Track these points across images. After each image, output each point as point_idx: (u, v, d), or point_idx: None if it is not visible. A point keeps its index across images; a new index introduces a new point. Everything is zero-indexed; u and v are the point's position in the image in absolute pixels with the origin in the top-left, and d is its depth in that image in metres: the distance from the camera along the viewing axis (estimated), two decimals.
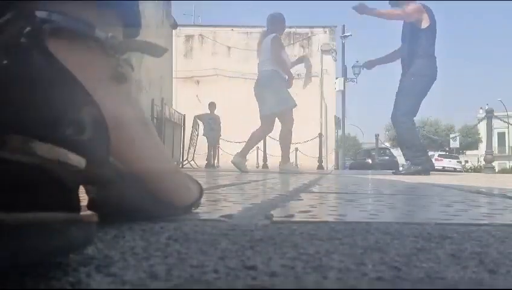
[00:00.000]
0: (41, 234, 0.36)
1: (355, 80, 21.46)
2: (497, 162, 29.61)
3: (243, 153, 5.78)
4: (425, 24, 5.00)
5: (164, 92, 10.72)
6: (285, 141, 5.86)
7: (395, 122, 5.35)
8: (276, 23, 5.90)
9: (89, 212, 0.43)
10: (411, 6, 5.04)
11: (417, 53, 5.08)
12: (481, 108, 42.11)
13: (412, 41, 5.13)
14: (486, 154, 8.34)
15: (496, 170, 14.85)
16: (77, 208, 0.43)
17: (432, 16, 5.06)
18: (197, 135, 12.14)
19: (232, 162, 5.65)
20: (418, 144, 5.28)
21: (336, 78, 20.94)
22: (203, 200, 1.31)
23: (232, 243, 0.56)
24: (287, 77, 5.96)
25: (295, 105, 5.85)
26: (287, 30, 26.82)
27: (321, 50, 24.67)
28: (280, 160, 5.92)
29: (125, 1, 0.68)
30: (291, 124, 5.82)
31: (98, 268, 0.41)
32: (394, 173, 5.27)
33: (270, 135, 13.28)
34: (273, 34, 5.79)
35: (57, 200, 0.39)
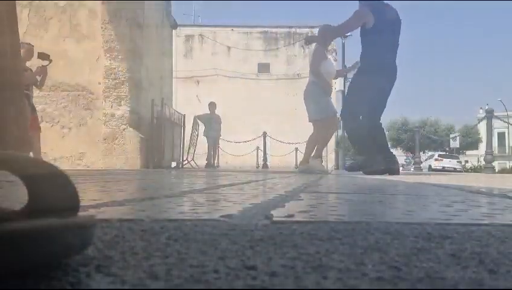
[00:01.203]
0: (37, 241, 0.36)
1: None
2: (497, 162, 29.62)
3: (305, 159, 5.98)
4: (370, 25, 5.00)
5: (164, 92, 10.72)
6: (310, 144, 6.02)
7: (342, 119, 5.34)
8: (321, 34, 5.99)
9: (87, 214, 0.43)
10: (356, 12, 5.10)
11: (364, 52, 5.14)
12: (481, 108, 42.13)
13: (361, 41, 5.20)
14: (486, 154, 8.34)
15: (496, 170, 14.85)
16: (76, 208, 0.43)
17: (377, 16, 4.99)
18: (197, 135, 12.14)
19: (299, 171, 5.77)
20: (363, 144, 5.21)
21: (336, 78, 20.91)
22: (203, 200, 1.31)
23: (232, 243, 0.56)
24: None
25: (335, 114, 5.99)
26: (286, 30, 26.59)
27: None
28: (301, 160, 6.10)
29: None
30: (324, 132, 5.93)
31: (98, 268, 0.41)
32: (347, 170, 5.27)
33: (270, 135, 13.23)
34: (316, 46, 5.92)
35: None
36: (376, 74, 4.98)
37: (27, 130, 4.86)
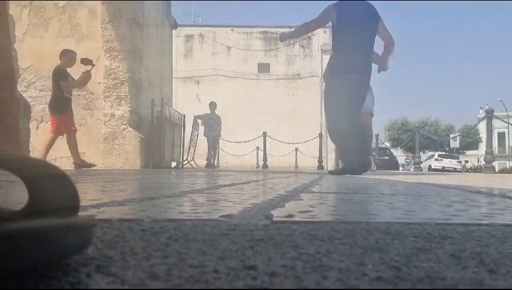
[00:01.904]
0: (37, 241, 0.36)
1: None
2: (497, 162, 29.59)
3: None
4: (334, 22, 4.97)
5: (164, 92, 10.72)
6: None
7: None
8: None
9: (87, 214, 0.43)
10: (323, 10, 5.08)
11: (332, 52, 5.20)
12: (481, 108, 42.17)
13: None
14: (486, 154, 8.33)
15: (496, 170, 14.85)
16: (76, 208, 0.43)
17: (340, 13, 4.90)
18: (197, 135, 12.13)
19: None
20: (343, 144, 5.12)
21: None
22: (203, 200, 1.31)
23: (232, 243, 0.56)
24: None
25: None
26: (287, 30, 26.93)
27: (321, 50, 24.68)
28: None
29: None
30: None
31: (98, 268, 0.41)
32: (330, 173, 5.19)
33: (269, 135, 13.20)
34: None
35: None
36: (338, 74, 4.88)
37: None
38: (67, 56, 6.61)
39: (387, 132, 40.77)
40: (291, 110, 24.18)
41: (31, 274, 0.37)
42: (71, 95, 6.71)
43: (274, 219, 0.83)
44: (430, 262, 0.47)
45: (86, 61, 6.53)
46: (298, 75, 24.87)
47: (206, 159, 11.70)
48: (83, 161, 6.69)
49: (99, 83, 8.18)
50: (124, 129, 8.08)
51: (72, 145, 6.59)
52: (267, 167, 12.42)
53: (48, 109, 6.80)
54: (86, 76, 6.63)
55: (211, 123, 11.70)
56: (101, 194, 1.53)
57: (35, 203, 0.41)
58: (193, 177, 3.68)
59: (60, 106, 6.47)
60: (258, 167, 14.95)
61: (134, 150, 8.06)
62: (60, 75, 6.46)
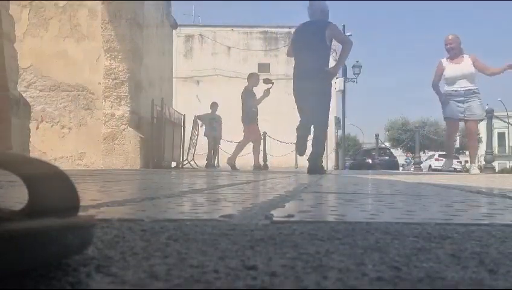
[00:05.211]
0: (37, 241, 0.36)
1: (355, 80, 21.45)
2: (497, 162, 29.54)
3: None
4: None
5: (164, 92, 10.71)
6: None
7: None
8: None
9: (87, 214, 0.43)
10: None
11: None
12: None
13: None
14: (486, 154, 8.32)
15: (496, 170, 14.83)
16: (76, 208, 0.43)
17: (295, 35, 5.93)
18: (197, 135, 12.12)
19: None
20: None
21: (336, 78, 20.93)
22: (203, 200, 1.31)
23: (232, 243, 0.56)
24: None
25: (446, 115, 7.00)
26: (286, 30, 26.58)
27: None
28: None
29: None
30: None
31: (98, 268, 0.41)
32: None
33: (270, 135, 13.16)
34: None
35: None
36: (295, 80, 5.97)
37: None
38: (253, 78, 8.46)
39: (387, 132, 40.73)
40: (291, 110, 24.10)
41: (31, 274, 0.37)
42: (256, 109, 8.33)
43: (274, 219, 0.83)
44: (430, 262, 0.47)
45: (267, 81, 7.92)
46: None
47: (207, 159, 11.69)
48: (260, 164, 8.47)
49: (99, 83, 8.18)
50: (124, 129, 8.08)
51: (255, 150, 8.43)
52: (267, 167, 12.41)
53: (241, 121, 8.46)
54: (267, 93, 8.04)
55: (212, 123, 11.69)
56: (101, 194, 1.53)
57: (35, 203, 0.41)
58: (193, 177, 3.68)
59: (250, 118, 8.25)
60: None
61: (134, 150, 8.06)
62: (249, 94, 8.23)
